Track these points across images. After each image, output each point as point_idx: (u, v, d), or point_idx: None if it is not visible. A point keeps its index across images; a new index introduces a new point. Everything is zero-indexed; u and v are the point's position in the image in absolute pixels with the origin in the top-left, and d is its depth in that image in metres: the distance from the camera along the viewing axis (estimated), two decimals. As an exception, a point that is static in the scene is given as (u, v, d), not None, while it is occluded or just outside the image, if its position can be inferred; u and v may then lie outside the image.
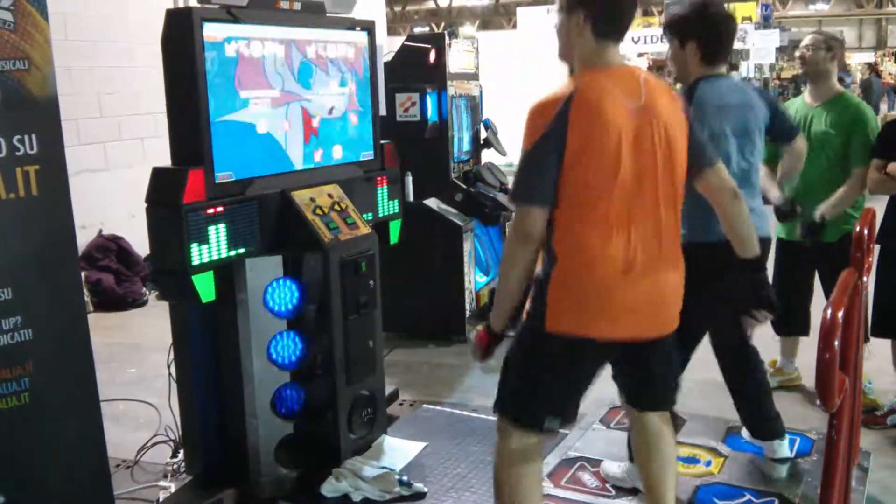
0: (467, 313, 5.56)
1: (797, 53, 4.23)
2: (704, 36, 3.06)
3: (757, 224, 2.77)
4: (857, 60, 25.13)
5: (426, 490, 3.19)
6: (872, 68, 19.97)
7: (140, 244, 7.17)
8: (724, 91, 3.09)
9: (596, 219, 2.34)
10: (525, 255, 2.38)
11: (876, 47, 31.22)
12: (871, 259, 3.16)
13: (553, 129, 2.29)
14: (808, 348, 3.96)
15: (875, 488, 3.45)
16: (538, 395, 2.47)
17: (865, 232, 2.91)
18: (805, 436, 3.59)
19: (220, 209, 2.98)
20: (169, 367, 3.46)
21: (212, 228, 2.95)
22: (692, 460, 3.35)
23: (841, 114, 4.00)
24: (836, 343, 1.83)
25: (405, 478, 3.21)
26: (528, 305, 2.47)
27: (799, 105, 4.20)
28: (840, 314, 1.88)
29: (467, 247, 5.52)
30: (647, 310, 2.40)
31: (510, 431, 2.54)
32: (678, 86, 3.32)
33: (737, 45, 11.70)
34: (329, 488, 3.19)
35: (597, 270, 2.34)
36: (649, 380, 2.63)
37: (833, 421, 2.13)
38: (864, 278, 3.02)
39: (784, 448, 3.31)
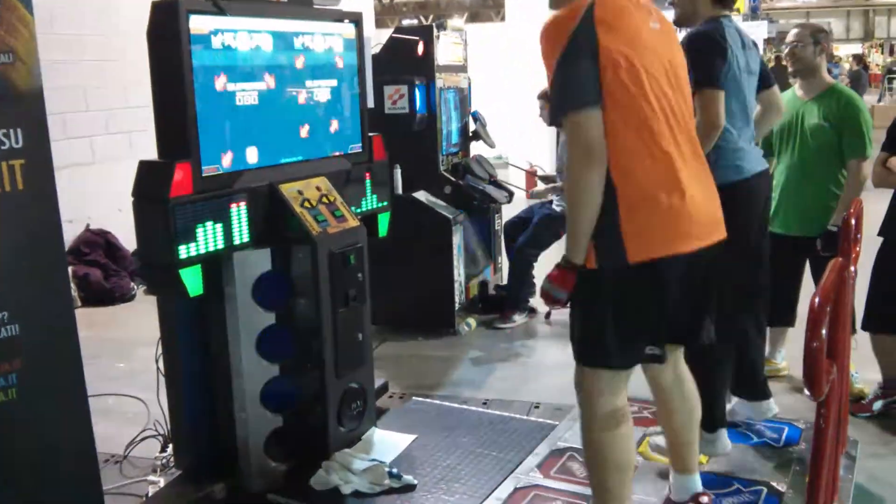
0: (457, 306, 5.57)
1: (785, 50, 4.22)
2: None
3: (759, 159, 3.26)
4: (844, 52, 25.23)
5: (416, 482, 3.19)
6: (860, 59, 20.04)
7: (128, 239, 7.14)
8: (743, 32, 3.29)
9: (641, 128, 2.35)
10: (595, 175, 2.29)
11: (863, 38, 31.37)
12: (858, 249, 3.17)
13: (580, 30, 2.27)
14: (795, 339, 3.98)
15: (863, 477, 3.47)
16: (636, 330, 2.45)
17: (853, 222, 2.92)
18: (793, 425, 3.60)
19: (207, 202, 2.97)
20: (157, 361, 3.45)
21: (199, 222, 2.93)
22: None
23: (834, 106, 4.01)
24: (824, 331, 1.83)
25: (395, 470, 3.21)
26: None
27: (790, 99, 4.19)
28: (828, 304, 1.88)
29: (456, 239, 5.52)
30: (708, 217, 2.47)
31: (600, 388, 2.48)
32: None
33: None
34: (319, 481, 3.18)
35: (661, 192, 2.35)
36: (704, 300, 2.62)
37: (821, 409, 2.13)
38: (853, 268, 3.03)
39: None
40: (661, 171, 2.36)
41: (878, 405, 4.10)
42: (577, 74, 2.28)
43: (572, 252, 2.38)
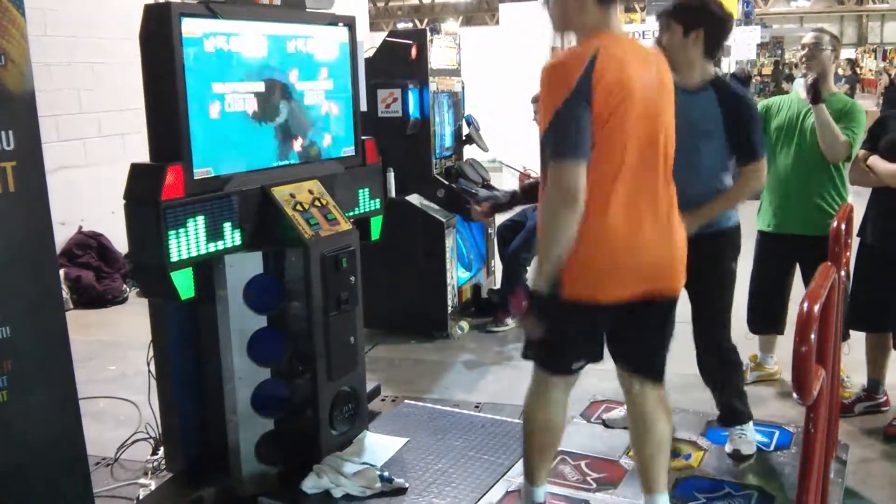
0: (449, 309, 5.56)
1: (802, 51, 4.20)
2: (711, 27, 3.15)
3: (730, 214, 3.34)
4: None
5: (407, 486, 3.19)
6: (853, 65, 20.08)
7: (120, 241, 7.12)
8: None
9: (612, 184, 2.45)
10: (572, 216, 2.39)
11: (857, 44, 31.43)
12: (848, 254, 3.18)
13: (582, 83, 2.34)
14: (787, 343, 3.99)
15: (853, 480, 3.48)
16: (564, 349, 2.69)
17: (843, 227, 2.93)
18: (784, 429, 3.61)
19: (198, 205, 2.97)
20: (149, 364, 3.45)
21: (191, 225, 2.93)
22: (672, 454, 3.35)
23: (835, 112, 4.01)
24: (813, 336, 1.84)
25: (386, 473, 3.21)
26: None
27: (792, 99, 4.20)
28: (817, 307, 1.89)
29: (449, 242, 5.52)
30: (656, 272, 2.58)
31: (542, 374, 2.78)
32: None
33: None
34: (310, 484, 3.18)
35: (610, 242, 2.49)
36: (650, 341, 2.75)
37: (811, 414, 2.14)
38: (842, 272, 3.04)
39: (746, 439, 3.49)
40: (620, 224, 2.48)
41: (860, 408, 4.12)
42: (577, 125, 2.36)
43: (537, 282, 2.51)
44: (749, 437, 3.47)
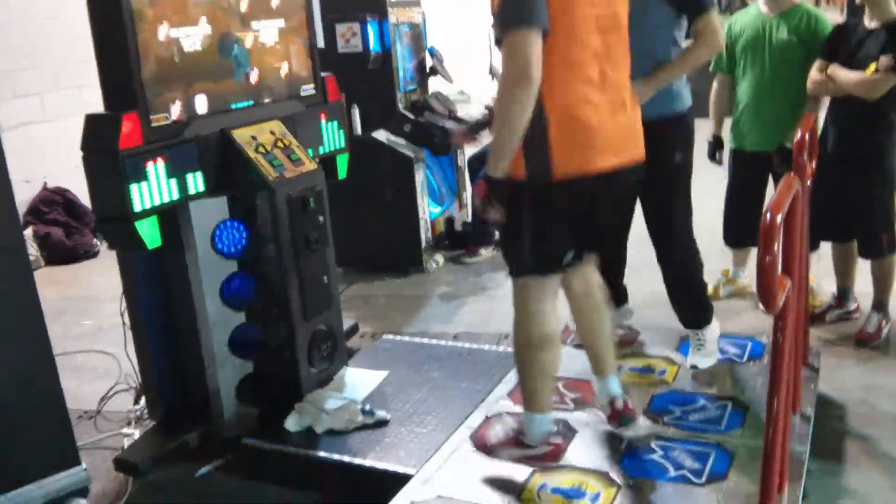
0: (423, 244, 5.57)
1: None
2: None
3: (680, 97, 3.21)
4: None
5: (389, 417, 3.22)
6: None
7: (87, 195, 7.00)
8: None
9: (578, 55, 2.47)
10: (528, 94, 2.33)
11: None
12: (813, 165, 3.20)
13: None
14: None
15: (826, 386, 3.56)
16: (554, 239, 2.64)
17: (807, 137, 2.93)
18: (756, 340, 3.67)
19: (158, 152, 2.92)
20: (122, 315, 3.43)
21: (151, 173, 2.88)
22: (647, 370, 3.42)
23: (800, 23, 4.01)
24: (776, 246, 1.85)
25: (367, 406, 3.24)
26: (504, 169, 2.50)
27: (755, 14, 4.18)
28: (779, 217, 1.90)
29: (419, 177, 5.49)
30: (628, 141, 2.63)
31: (530, 287, 2.71)
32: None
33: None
34: (292, 422, 3.21)
35: (589, 117, 2.50)
36: (614, 218, 2.90)
37: (778, 323, 2.18)
38: (808, 183, 3.06)
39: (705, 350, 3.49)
40: (581, 94, 2.50)
41: (831, 316, 4.21)
42: None
43: (493, 166, 2.48)
44: (708, 348, 3.47)
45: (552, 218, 2.61)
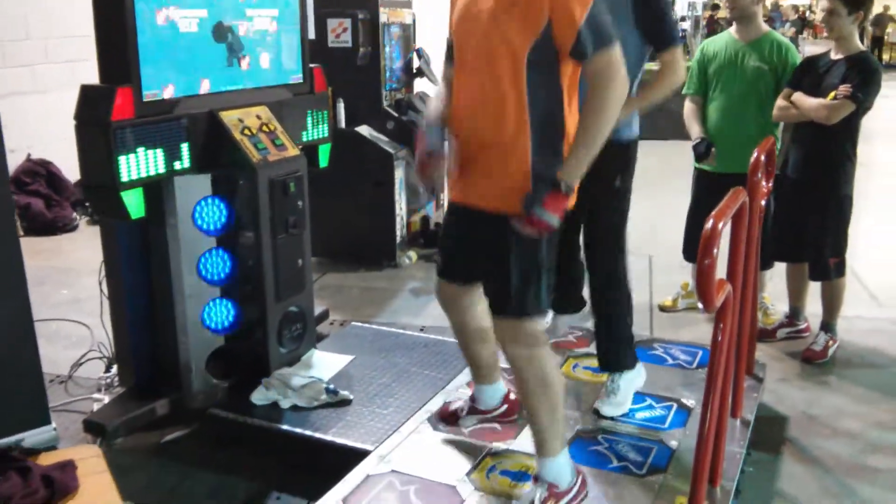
0: (398, 239, 5.71)
1: None
2: None
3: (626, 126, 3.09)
4: (790, 2, 25.47)
5: (352, 398, 3.36)
6: (798, 10, 20.23)
7: (70, 168, 7.10)
8: None
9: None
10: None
11: (811, -11, 31.61)
12: (770, 184, 3.37)
13: None
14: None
15: (770, 397, 3.75)
16: (551, 264, 2.57)
17: (763, 158, 3.11)
18: (707, 349, 3.80)
19: (148, 127, 3.05)
20: (101, 284, 3.54)
21: (140, 146, 3.01)
22: (598, 370, 3.58)
23: (773, 52, 4.18)
24: (715, 250, 2.02)
25: (332, 386, 3.37)
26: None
27: (728, 40, 4.35)
28: (720, 224, 2.07)
29: (398, 174, 5.63)
30: None
31: (537, 325, 2.60)
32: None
33: (671, -19, 11.84)
34: (259, 396, 3.33)
35: None
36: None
37: (719, 324, 2.34)
38: (763, 202, 3.23)
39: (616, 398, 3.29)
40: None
41: (781, 333, 4.40)
42: (606, 15, 2.35)
43: (573, 173, 2.39)
44: (619, 397, 3.26)
45: (556, 245, 2.57)
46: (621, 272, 3.25)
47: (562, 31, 2.33)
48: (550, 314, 3.84)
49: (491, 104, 2.47)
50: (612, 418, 3.21)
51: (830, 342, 4.21)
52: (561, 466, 2.66)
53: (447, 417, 3.19)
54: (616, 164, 3.09)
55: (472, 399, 3.20)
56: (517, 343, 2.58)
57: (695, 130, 4.44)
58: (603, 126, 2.36)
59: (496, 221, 2.47)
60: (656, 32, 3.07)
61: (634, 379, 3.35)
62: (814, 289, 4.34)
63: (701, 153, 4.40)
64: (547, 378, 2.58)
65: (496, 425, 3.14)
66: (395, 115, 5.71)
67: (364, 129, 5.60)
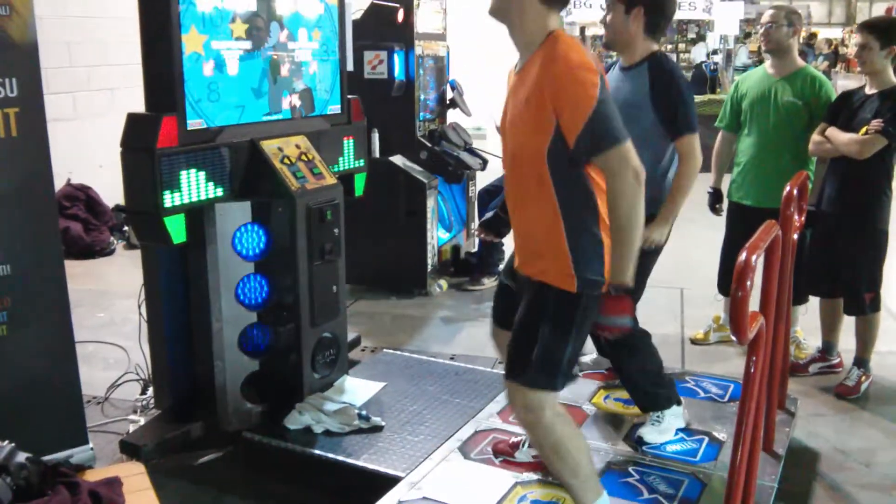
0: (429, 268, 5.76)
1: (760, 30, 4.38)
2: (651, 5, 3.19)
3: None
4: (824, 37, 25.44)
5: (384, 423, 3.39)
6: (831, 44, 20.11)
7: (108, 194, 7.26)
8: None
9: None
10: (642, 191, 2.37)
11: (845, 23, 31.53)
12: (802, 218, 3.38)
13: (601, 75, 2.37)
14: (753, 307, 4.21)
15: (801, 432, 3.72)
16: (576, 350, 2.56)
17: (796, 192, 3.12)
18: (738, 383, 3.82)
19: (191, 154, 3.13)
20: (140, 306, 3.62)
21: (183, 173, 3.10)
22: (631, 402, 3.58)
23: (807, 87, 4.20)
24: (749, 283, 2.04)
25: (364, 412, 3.41)
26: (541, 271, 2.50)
27: (761, 75, 4.37)
28: (754, 258, 2.09)
29: (430, 203, 5.70)
30: None
31: (547, 400, 2.55)
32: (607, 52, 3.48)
33: (702, 16, 11.89)
34: (292, 421, 3.37)
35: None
36: None
37: (751, 357, 2.35)
38: (795, 236, 3.24)
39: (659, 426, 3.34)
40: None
41: (814, 368, 4.37)
42: (615, 113, 2.37)
43: (626, 276, 2.42)
44: (664, 425, 3.32)
45: (586, 327, 2.56)
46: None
47: (567, 134, 2.36)
48: (595, 353, 3.93)
49: (522, 199, 2.57)
50: (651, 446, 3.23)
51: (863, 378, 4.18)
52: None
53: (504, 451, 3.16)
54: None
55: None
56: (526, 409, 2.57)
57: (712, 176, 4.52)
58: (628, 219, 2.38)
59: (538, 288, 2.53)
60: (672, 119, 3.17)
61: (679, 415, 3.38)
62: (847, 324, 4.32)
63: (709, 206, 4.57)
64: (558, 445, 2.56)
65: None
66: (429, 145, 5.78)
67: (398, 159, 5.67)
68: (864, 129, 3.86)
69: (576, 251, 2.46)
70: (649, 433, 3.29)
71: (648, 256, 3.18)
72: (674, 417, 3.35)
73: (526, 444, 3.13)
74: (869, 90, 4.00)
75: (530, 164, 2.46)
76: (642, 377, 3.34)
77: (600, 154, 2.35)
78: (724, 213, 4.62)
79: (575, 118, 2.31)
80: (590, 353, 3.97)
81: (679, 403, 3.39)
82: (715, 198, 4.58)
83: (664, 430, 3.30)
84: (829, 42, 19.99)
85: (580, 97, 2.30)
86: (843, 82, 13.46)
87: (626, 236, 2.40)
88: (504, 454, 3.16)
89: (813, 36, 20.30)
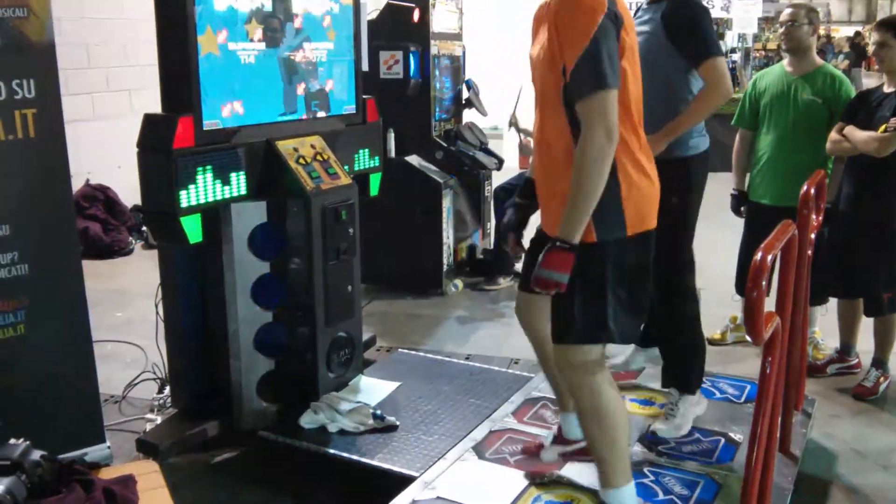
0: (444, 268, 5.76)
1: (780, 29, 4.34)
2: None
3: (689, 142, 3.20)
4: (845, 34, 25.22)
5: (398, 423, 3.39)
6: (852, 41, 19.87)
7: (126, 194, 7.31)
8: None
9: (632, 119, 2.47)
10: (612, 151, 2.31)
11: (865, 21, 31.26)
12: (820, 218, 3.36)
13: (610, 9, 2.30)
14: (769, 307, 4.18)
15: (818, 434, 3.70)
16: (633, 302, 2.52)
17: (813, 191, 3.10)
18: (755, 383, 3.78)
19: (207, 155, 3.15)
20: (157, 306, 3.64)
21: (199, 173, 3.11)
22: (647, 402, 3.56)
23: (823, 85, 4.17)
24: (763, 283, 2.03)
25: (379, 412, 3.41)
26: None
27: (779, 73, 4.34)
28: (769, 257, 2.08)
29: (446, 203, 5.70)
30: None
31: (595, 361, 2.53)
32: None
33: (720, 14, 11.81)
34: (307, 420, 3.39)
35: (643, 176, 2.50)
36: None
37: (767, 358, 2.34)
38: (812, 235, 3.22)
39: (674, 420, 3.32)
40: (638, 152, 2.51)
41: (832, 369, 4.34)
42: (610, 54, 2.29)
43: (573, 232, 2.36)
44: (678, 420, 3.29)
45: (629, 278, 2.51)
46: (685, 287, 3.29)
47: (566, 71, 2.32)
48: (632, 348, 3.91)
49: (544, 143, 2.55)
50: (667, 441, 3.22)
51: (882, 378, 4.15)
52: (624, 499, 2.63)
53: (532, 451, 3.14)
54: (673, 182, 2.96)
55: (559, 428, 3.17)
56: (573, 370, 2.56)
57: (734, 178, 4.50)
58: (586, 179, 2.31)
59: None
60: (689, 46, 3.07)
61: (694, 405, 3.37)
62: (865, 324, 4.29)
63: (732, 208, 4.55)
64: (602, 409, 2.54)
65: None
66: (444, 145, 5.79)
67: (413, 159, 5.68)
68: (882, 127, 3.82)
69: (599, 201, 2.38)
70: (664, 428, 3.28)
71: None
72: (688, 408, 3.33)
73: (550, 441, 3.12)
74: (887, 88, 3.97)
75: (551, 103, 2.44)
76: (686, 350, 3.35)
77: (581, 99, 2.29)
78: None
79: (571, 53, 2.28)
80: (620, 354, 3.95)
81: (693, 392, 3.38)
82: (739, 200, 4.52)
83: (680, 426, 3.29)
84: (849, 39, 19.71)
85: (577, 31, 2.27)
86: (866, 81, 13.34)
87: (582, 193, 2.32)
88: (531, 453, 3.13)
89: (830, 37, 20.08)
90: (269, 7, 3.37)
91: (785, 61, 4.38)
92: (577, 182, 2.34)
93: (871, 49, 4.04)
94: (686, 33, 3.08)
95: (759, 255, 2.06)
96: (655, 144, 2.98)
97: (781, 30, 4.31)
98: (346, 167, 3.72)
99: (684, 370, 3.38)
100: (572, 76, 2.31)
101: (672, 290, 3.27)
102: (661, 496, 2.89)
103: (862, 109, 4.00)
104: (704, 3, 3.19)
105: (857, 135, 3.89)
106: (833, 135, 4.02)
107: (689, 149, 3.20)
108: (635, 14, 3.18)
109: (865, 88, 4.20)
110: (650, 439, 3.26)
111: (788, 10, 4.29)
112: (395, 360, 4.17)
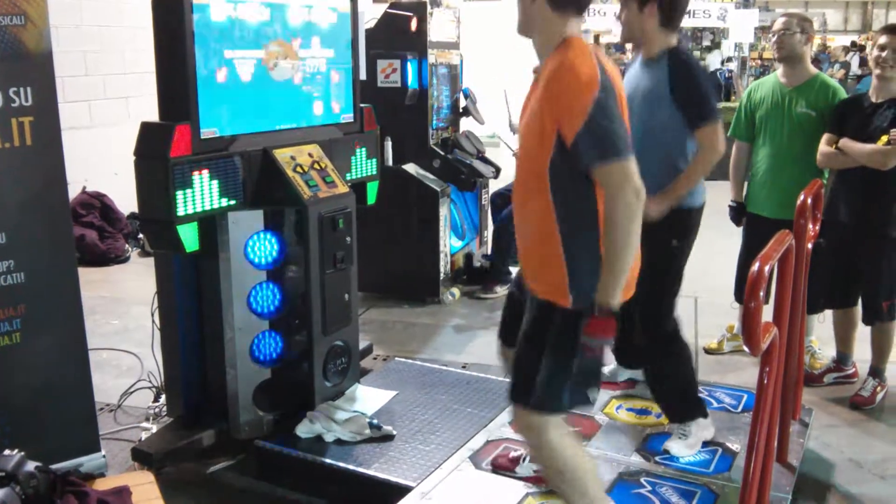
0: (441, 276, 5.76)
1: (772, 38, 4.30)
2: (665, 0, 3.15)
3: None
4: (840, 44, 25.31)
5: (395, 433, 3.39)
6: (847, 50, 19.89)
7: (123, 202, 7.30)
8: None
9: None
10: (641, 208, 2.28)
11: (861, 31, 31.37)
12: (816, 228, 3.36)
13: (604, 79, 2.28)
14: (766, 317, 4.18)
15: (816, 443, 3.69)
16: (594, 372, 2.48)
17: (809, 202, 3.10)
18: (752, 393, 3.78)
19: (204, 163, 3.14)
20: (153, 314, 3.63)
21: (196, 181, 3.11)
22: (644, 412, 3.57)
23: (817, 96, 4.16)
24: (761, 293, 2.03)
25: (375, 421, 3.40)
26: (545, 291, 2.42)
27: (773, 83, 4.32)
28: (767, 268, 2.08)
29: (443, 211, 5.70)
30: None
31: (553, 421, 2.48)
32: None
33: (717, 23, 11.85)
34: (303, 429, 3.38)
35: None
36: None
37: (765, 367, 2.34)
38: (809, 245, 3.22)
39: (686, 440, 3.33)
40: None
41: (829, 378, 4.34)
42: (619, 122, 2.30)
43: (612, 298, 2.32)
44: (690, 440, 3.30)
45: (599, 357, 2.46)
46: (671, 327, 3.29)
47: (565, 138, 2.29)
48: (614, 364, 3.93)
49: (524, 201, 2.50)
50: (678, 459, 3.22)
51: (879, 388, 4.15)
52: None
53: (505, 466, 3.14)
54: (675, 228, 3.16)
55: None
56: (529, 432, 2.52)
57: (732, 189, 4.51)
58: (622, 239, 2.28)
59: (543, 307, 2.45)
60: (691, 109, 3.12)
61: (707, 426, 3.38)
62: (862, 333, 4.29)
63: (731, 219, 4.54)
64: (564, 465, 2.50)
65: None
66: (441, 153, 5.79)
67: (411, 167, 5.68)
68: (883, 139, 3.81)
69: (572, 267, 2.38)
70: (676, 447, 3.28)
71: (675, 257, 3.23)
72: (701, 430, 3.34)
73: (527, 459, 3.10)
74: (877, 98, 3.96)
75: (534, 172, 2.40)
76: (677, 386, 3.34)
77: (603, 164, 2.26)
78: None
79: (571, 121, 2.25)
80: (607, 365, 3.95)
81: (706, 416, 3.38)
82: (738, 211, 4.51)
83: (692, 445, 3.29)
84: (846, 49, 19.72)
85: (574, 100, 2.25)
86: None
87: (619, 257, 2.30)
88: (505, 469, 3.14)
89: (824, 46, 20.11)
90: (266, 16, 3.38)
91: (778, 71, 4.35)
92: (612, 245, 2.31)
93: (874, 54, 4.00)
94: (685, 96, 3.13)
95: (756, 266, 2.05)
96: (657, 206, 3.01)
97: (773, 38, 4.29)
98: (346, 175, 3.72)
99: (682, 403, 3.37)
100: (580, 141, 2.27)
101: (662, 334, 3.29)
102: (658, 506, 2.89)
103: (852, 118, 3.98)
104: (701, 13, 3.22)
105: (858, 148, 3.88)
106: (823, 147, 4.00)
107: (694, 200, 3.24)
108: (626, 68, 3.28)
109: (848, 97, 4.18)
110: (661, 454, 3.26)
111: (781, 19, 4.27)
112: (391, 369, 4.17)
